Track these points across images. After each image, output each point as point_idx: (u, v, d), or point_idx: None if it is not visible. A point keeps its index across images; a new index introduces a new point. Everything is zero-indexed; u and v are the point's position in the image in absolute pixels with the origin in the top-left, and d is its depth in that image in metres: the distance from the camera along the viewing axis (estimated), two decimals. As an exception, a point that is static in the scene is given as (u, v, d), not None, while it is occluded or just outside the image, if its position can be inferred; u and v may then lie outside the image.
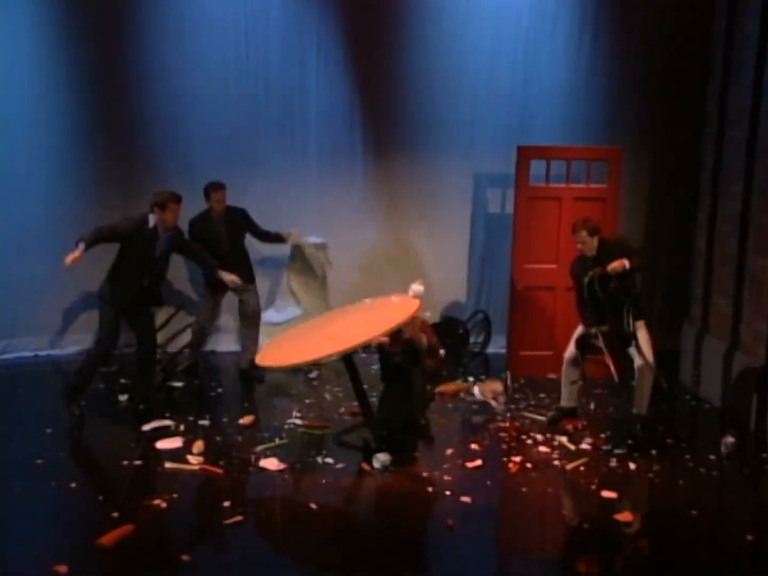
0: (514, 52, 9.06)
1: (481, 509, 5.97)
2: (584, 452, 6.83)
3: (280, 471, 6.39)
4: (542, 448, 6.90)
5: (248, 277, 8.42)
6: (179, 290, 9.02)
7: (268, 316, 9.03)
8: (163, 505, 5.83)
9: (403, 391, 7.01)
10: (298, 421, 7.35)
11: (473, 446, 6.94)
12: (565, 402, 7.33)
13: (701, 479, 6.46)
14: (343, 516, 5.98)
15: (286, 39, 8.95)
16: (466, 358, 9.20)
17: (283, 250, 9.03)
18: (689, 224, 8.85)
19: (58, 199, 8.78)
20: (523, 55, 9.07)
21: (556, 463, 6.66)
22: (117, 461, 6.53)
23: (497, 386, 7.95)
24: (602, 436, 7.13)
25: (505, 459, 6.70)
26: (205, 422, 7.31)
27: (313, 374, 8.57)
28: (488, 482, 6.35)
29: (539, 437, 7.11)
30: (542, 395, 8.07)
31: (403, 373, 6.99)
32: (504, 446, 6.96)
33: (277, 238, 8.67)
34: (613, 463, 6.66)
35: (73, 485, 6.08)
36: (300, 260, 9.14)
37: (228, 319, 9.10)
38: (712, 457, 6.81)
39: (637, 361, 6.86)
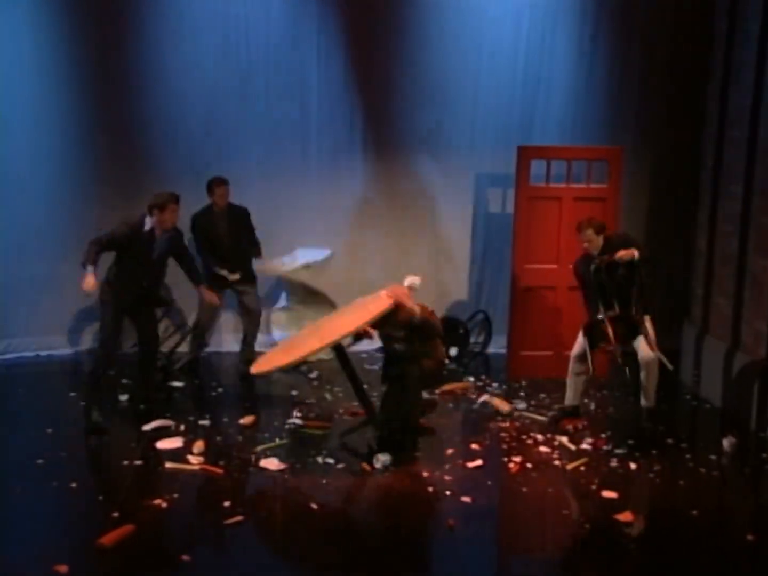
0: (515, 52, 9.06)
1: (481, 509, 5.97)
2: (585, 452, 6.83)
3: (281, 471, 6.39)
4: (543, 448, 6.90)
5: (249, 276, 8.42)
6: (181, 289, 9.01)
7: (297, 256, 8.87)
8: (164, 505, 5.83)
9: (402, 390, 6.98)
10: (299, 421, 7.36)
11: (474, 446, 6.94)
12: (569, 401, 7.33)
13: (702, 479, 6.46)
14: (343, 516, 5.98)
15: (287, 39, 8.94)
16: (467, 358, 9.20)
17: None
18: (689, 224, 8.85)
19: (58, 199, 8.78)
20: (523, 55, 9.06)
21: (557, 463, 6.66)
22: (117, 461, 6.53)
23: (504, 404, 7.84)
24: (603, 436, 7.13)
25: (505, 459, 6.70)
26: (205, 422, 7.30)
27: (314, 374, 8.57)
28: (489, 482, 6.35)
29: (540, 437, 7.11)
30: (542, 395, 8.07)
31: (405, 365, 6.90)
32: (504, 446, 6.96)
33: (254, 251, 8.54)
34: (614, 463, 6.66)
35: (74, 485, 6.08)
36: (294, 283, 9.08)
37: (228, 319, 9.09)
38: (712, 457, 6.81)
39: (643, 355, 6.86)
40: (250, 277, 8.46)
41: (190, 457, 6.56)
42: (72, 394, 7.81)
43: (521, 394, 8.14)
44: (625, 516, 5.80)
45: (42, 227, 8.73)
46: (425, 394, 7.78)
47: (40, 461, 6.41)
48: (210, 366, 8.87)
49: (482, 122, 9.19)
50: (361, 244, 9.33)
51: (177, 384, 8.22)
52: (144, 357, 7.52)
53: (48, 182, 8.76)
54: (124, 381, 8.12)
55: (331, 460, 6.59)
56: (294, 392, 8.09)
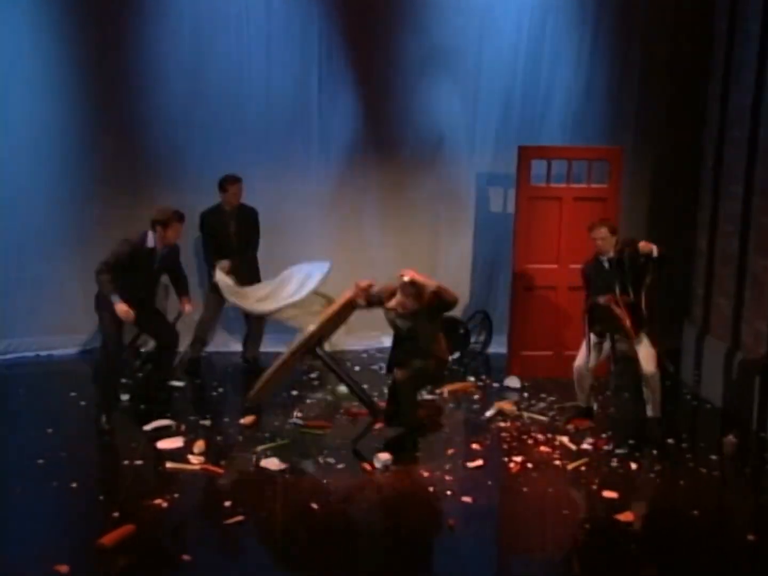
0: (515, 52, 9.05)
1: (482, 509, 5.97)
2: (585, 452, 6.83)
3: (281, 471, 6.39)
4: (543, 448, 6.90)
5: (255, 277, 8.42)
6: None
7: (297, 280, 8.27)
8: (164, 505, 5.83)
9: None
10: (299, 421, 7.35)
11: (474, 446, 6.94)
12: (583, 403, 7.33)
13: (702, 479, 6.46)
14: (343, 516, 5.97)
15: (288, 40, 8.91)
16: (467, 358, 9.19)
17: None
18: (689, 224, 8.84)
19: (58, 199, 8.75)
20: (523, 55, 9.05)
21: (557, 463, 6.66)
22: (118, 461, 6.54)
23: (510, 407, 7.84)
24: (603, 436, 7.13)
25: (506, 459, 6.70)
26: (206, 422, 7.30)
27: (314, 374, 8.56)
28: (489, 482, 6.35)
29: (540, 437, 7.10)
30: (543, 395, 8.07)
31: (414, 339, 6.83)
32: (505, 446, 6.95)
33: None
34: (614, 463, 6.66)
35: (74, 485, 6.07)
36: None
37: (228, 318, 9.09)
38: (713, 457, 6.81)
39: (645, 371, 6.89)
40: (256, 277, 8.45)
41: (190, 457, 6.56)
42: (72, 394, 7.81)
43: (525, 394, 8.13)
44: (626, 516, 5.79)
45: (42, 227, 8.71)
46: (425, 395, 7.82)
47: (40, 461, 6.40)
48: (211, 366, 8.87)
49: (483, 122, 9.19)
50: (361, 244, 9.32)
51: (177, 384, 8.22)
52: (162, 357, 7.58)
53: (48, 182, 8.74)
54: (124, 381, 8.12)
55: (331, 460, 6.59)
56: (294, 392, 8.09)
